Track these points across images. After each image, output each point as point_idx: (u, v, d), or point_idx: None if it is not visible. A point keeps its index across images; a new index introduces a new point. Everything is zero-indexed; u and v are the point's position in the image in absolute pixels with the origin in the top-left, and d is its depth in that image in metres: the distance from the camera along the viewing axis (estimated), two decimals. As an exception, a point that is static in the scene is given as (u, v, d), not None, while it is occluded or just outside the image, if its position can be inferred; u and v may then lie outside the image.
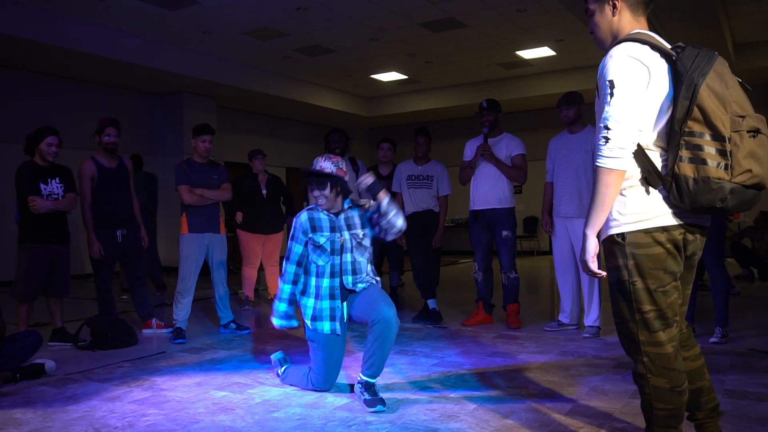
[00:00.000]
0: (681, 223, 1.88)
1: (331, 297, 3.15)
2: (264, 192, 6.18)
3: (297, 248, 3.19)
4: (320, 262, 3.14)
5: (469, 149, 5.04)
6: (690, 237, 1.92)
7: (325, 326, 3.13)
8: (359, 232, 3.20)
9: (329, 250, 3.13)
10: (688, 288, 2.07)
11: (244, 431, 2.67)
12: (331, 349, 3.16)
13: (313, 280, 3.18)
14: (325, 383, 3.19)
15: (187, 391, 3.28)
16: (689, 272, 2.03)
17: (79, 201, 4.61)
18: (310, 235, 3.15)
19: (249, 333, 4.88)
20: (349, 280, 3.16)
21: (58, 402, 3.14)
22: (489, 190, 4.87)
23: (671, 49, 1.87)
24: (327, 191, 3.12)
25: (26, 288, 4.41)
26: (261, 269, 6.46)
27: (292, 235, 3.20)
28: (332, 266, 3.14)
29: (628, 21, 1.97)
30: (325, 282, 3.14)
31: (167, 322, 4.98)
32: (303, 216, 3.19)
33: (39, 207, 4.33)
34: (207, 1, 7.35)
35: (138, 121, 10.39)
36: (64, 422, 2.82)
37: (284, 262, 3.23)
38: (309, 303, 3.18)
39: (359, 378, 3.06)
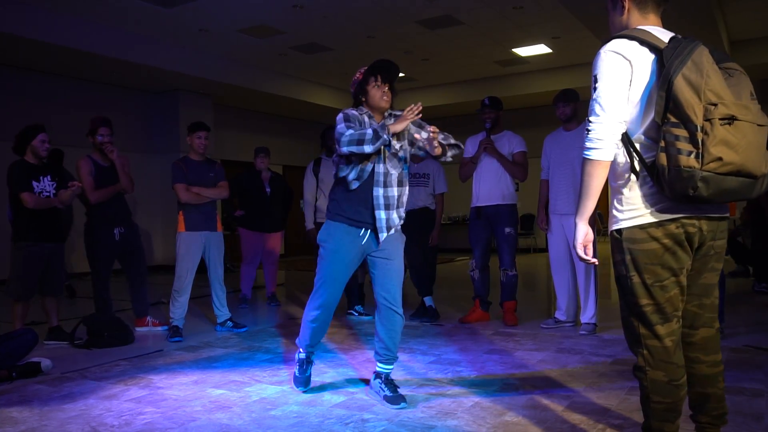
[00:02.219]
0: (675, 216, 1.88)
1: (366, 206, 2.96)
2: (267, 190, 6.16)
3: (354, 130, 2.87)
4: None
5: (471, 145, 5.05)
6: (692, 229, 1.90)
7: (353, 230, 2.95)
8: (396, 143, 3.00)
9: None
10: (708, 278, 2.00)
11: (242, 429, 2.67)
12: (348, 251, 2.96)
13: (347, 185, 2.97)
14: (334, 286, 2.97)
15: (184, 390, 3.28)
16: (702, 262, 1.98)
17: (85, 192, 4.63)
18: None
19: (246, 331, 4.87)
20: (380, 192, 2.94)
21: (55, 400, 3.13)
22: (492, 186, 4.88)
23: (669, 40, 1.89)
24: (392, 91, 3.02)
25: (21, 287, 4.40)
26: (259, 267, 6.45)
27: (348, 126, 2.88)
28: (374, 173, 2.96)
29: (636, 19, 2.02)
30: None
31: (162, 320, 4.98)
32: (350, 111, 2.96)
33: (65, 200, 4.44)
34: (203, -2, 7.33)
35: (134, 119, 10.37)
36: (61, 421, 2.82)
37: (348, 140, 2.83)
38: (341, 203, 2.98)
39: (376, 369, 3.08)
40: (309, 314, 3.10)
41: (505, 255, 4.89)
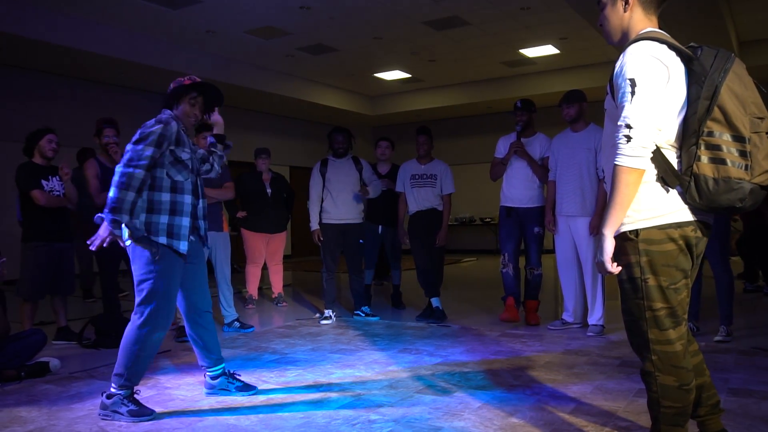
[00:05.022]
0: (693, 219, 1.89)
1: (193, 216, 2.97)
2: (269, 191, 6.19)
3: (151, 152, 2.84)
4: (180, 179, 2.93)
5: (502, 146, 5.05)
6: (700, 234, 1.92)
7: (182, 245, 2.90)
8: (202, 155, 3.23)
9: (189, 167, 2.98)
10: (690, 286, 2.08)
11: (248, 429, 2.67)
12: (179, 273, 2.94)
13: (167, 196, 2.89)
14: (170, 317, 2.91)
15: (191, 390, 3.29)
16: (694, 270, 2.03)
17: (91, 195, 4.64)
18: (172, 148, 2.90)
19: (252, 331, 4.88)
20: (199, 204, 3.04)
21: (63, 400, 3.15)
22: (522, 189, 4.90)
23: (686, 48, 1.89)
24: (202, 114, 3.14)
25: (32, 287, 4.42)
26: (264, 268, 6.46)
27: (147, 139, 2.84)
28: (192, 184, 2.98)
29: (639, 18, 1.98)
30: (186, 199, 2.94)
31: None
32: (173, 126, 2.93)
33: (71, 196, 4.56)
34: None
35: (141, 120, 10.22)
36: (69, 420, 2.83)
37: (125, 168, 2.79)
38: (161, 219, 2.87)
39: (218, 371, 3.21)
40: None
41: (533, 253, 4.95)
